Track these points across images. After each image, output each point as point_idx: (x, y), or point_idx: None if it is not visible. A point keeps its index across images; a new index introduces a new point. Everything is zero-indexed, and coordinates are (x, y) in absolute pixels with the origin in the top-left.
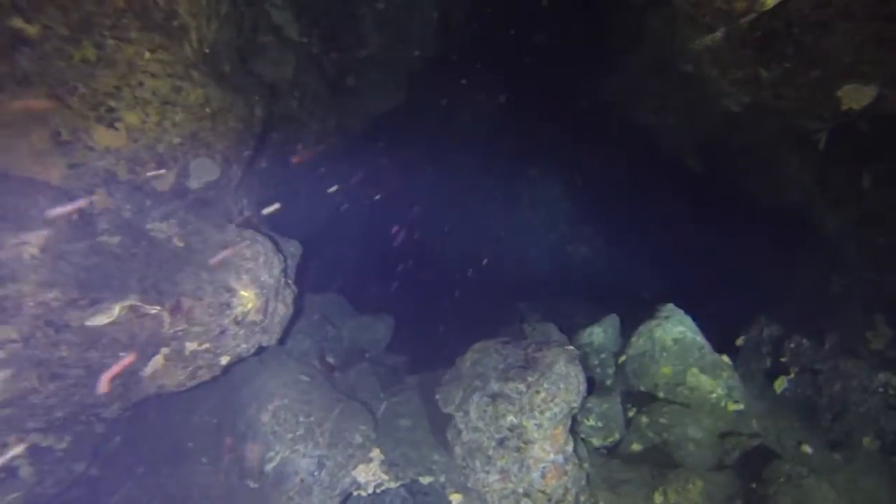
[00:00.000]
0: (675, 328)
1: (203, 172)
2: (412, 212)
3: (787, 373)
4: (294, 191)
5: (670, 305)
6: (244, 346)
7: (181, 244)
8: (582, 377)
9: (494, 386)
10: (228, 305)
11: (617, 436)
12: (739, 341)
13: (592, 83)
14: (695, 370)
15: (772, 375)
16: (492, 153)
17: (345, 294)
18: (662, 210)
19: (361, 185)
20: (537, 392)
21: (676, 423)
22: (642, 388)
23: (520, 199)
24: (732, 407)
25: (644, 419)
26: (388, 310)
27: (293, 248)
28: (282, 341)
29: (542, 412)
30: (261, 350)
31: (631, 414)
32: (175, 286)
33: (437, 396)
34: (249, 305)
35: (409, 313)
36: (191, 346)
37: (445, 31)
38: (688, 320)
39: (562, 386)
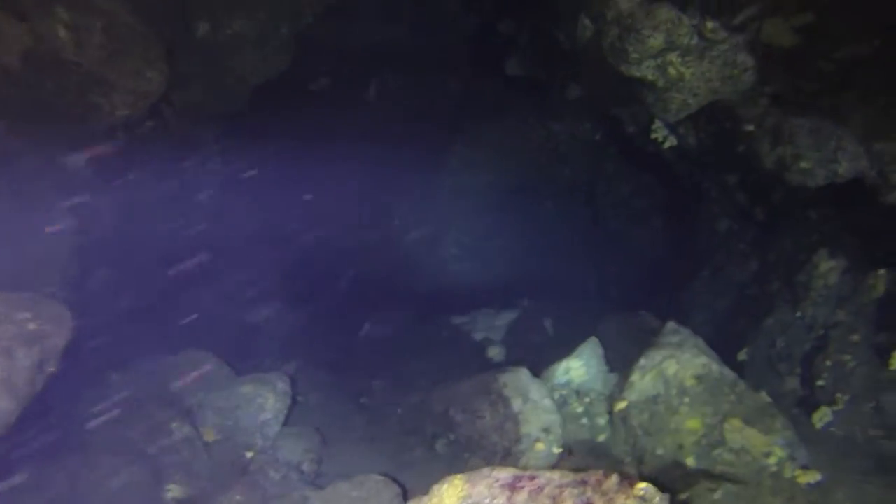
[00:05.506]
0: (694, 360)
1: None
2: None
3: (830, 402)
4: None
5: (672, 325)
6: None
7: None
8: None
9: None
10: None
11: None
12: (742, 355)
13: None
14: (735, 421)
15: (804, 404)
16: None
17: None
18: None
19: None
20: None
21: None
22: (660, 452)
23: (439, 189)
24: (804, 478)
25: None
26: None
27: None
28: None
29: None
30: None
31: None
32: None
33: None
34: None
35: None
36: None
37: None
38: (703, 344)
39: None
